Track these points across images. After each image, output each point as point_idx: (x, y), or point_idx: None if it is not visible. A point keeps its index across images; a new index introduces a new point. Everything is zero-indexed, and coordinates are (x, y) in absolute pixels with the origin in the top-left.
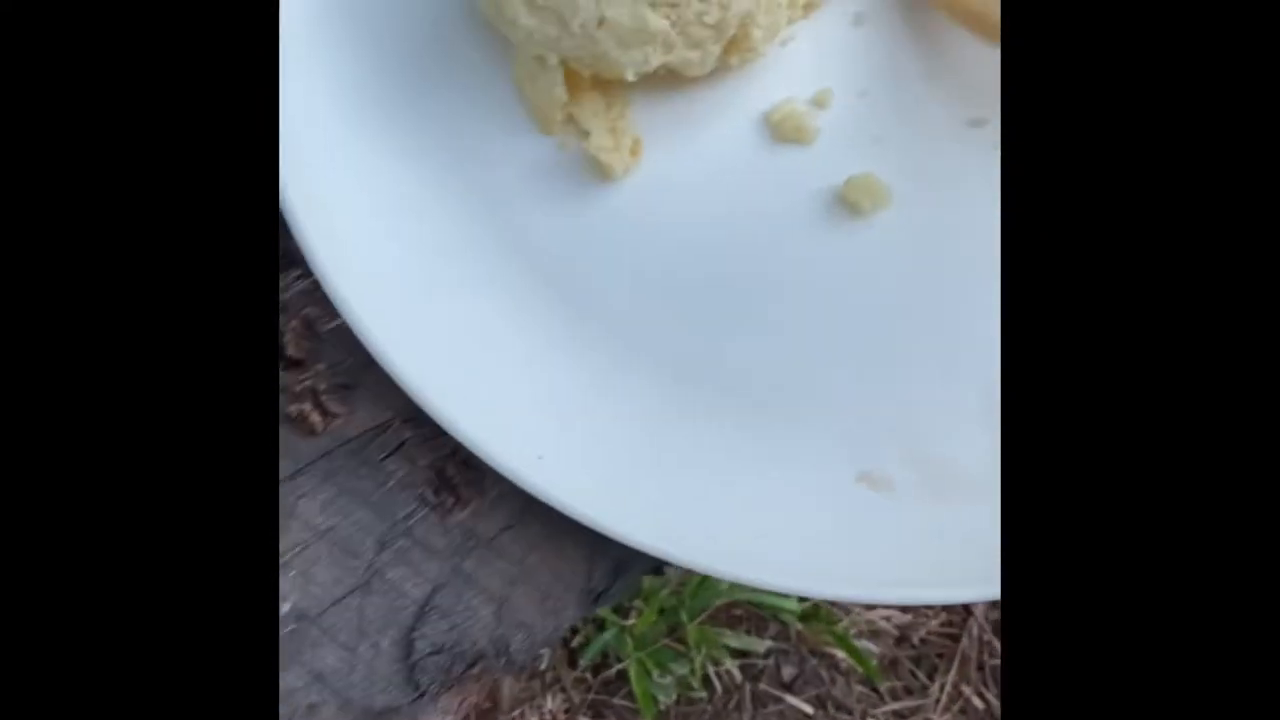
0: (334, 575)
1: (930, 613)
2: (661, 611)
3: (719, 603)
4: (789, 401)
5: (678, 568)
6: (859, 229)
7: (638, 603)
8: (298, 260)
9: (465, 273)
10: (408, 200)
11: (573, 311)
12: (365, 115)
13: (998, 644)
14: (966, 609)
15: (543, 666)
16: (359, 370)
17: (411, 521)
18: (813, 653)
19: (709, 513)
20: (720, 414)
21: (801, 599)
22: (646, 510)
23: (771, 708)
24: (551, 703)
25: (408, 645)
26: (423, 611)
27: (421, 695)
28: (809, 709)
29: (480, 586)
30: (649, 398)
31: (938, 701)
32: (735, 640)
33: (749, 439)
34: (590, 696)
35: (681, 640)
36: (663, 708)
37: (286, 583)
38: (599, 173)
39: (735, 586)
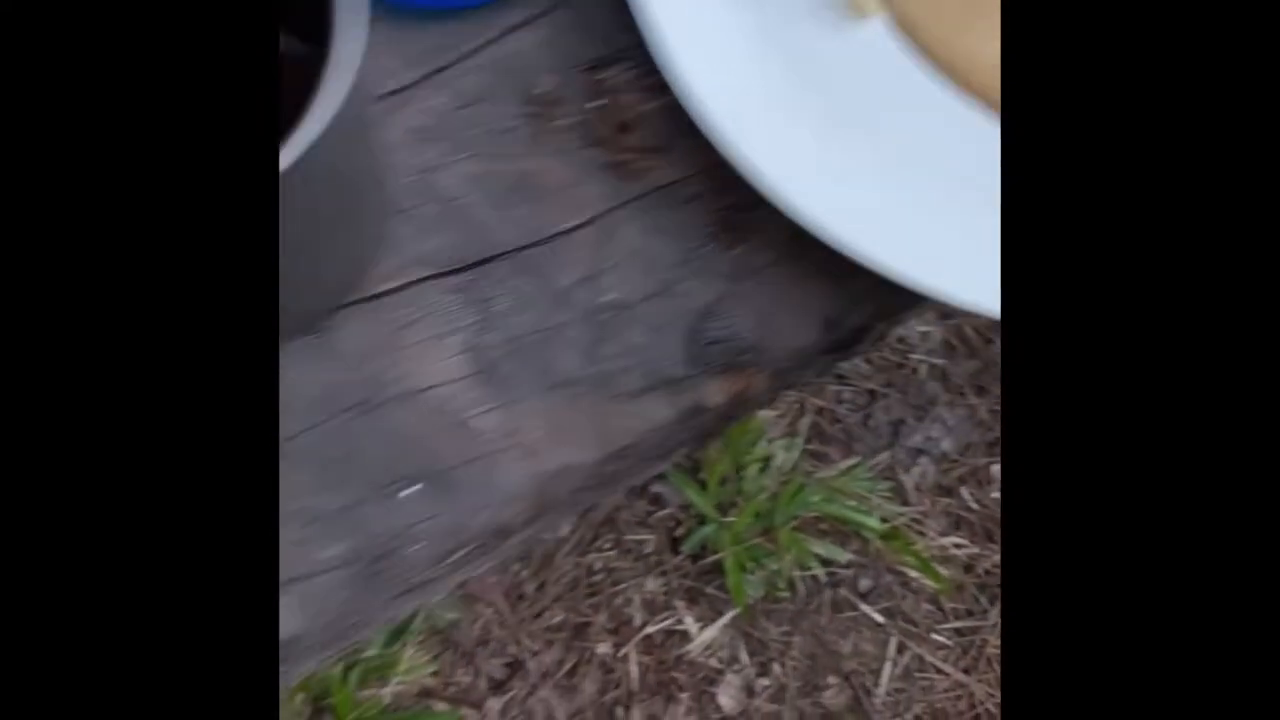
0: (642, 282)
1: (995, 547)
2: (757, 515)
3: (809, 515)
4: None
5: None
6: None
7: (738, 500)
8: (627, 57)
9: (770, 67)
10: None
11: (849, 108)
12: None
13: None
14: None
15: (647, 550)
16: (669, 138)
17: (701, 250)
18: (888, 569)
19: (950, 241)
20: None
21: (882, 520)
22: (889, 237)
23: (847, 614)
24: (652, 584)
25: (693, 336)
26: (706, 313)
27: (702, 373)
28: (880, 618)
29: (749, 302)
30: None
31: (995, 625)
32: (821, 549)
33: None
34: (687, 582)
35: (773, 542)
36: (750, 601)
37: (612, 280)
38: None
39: (825, 501)
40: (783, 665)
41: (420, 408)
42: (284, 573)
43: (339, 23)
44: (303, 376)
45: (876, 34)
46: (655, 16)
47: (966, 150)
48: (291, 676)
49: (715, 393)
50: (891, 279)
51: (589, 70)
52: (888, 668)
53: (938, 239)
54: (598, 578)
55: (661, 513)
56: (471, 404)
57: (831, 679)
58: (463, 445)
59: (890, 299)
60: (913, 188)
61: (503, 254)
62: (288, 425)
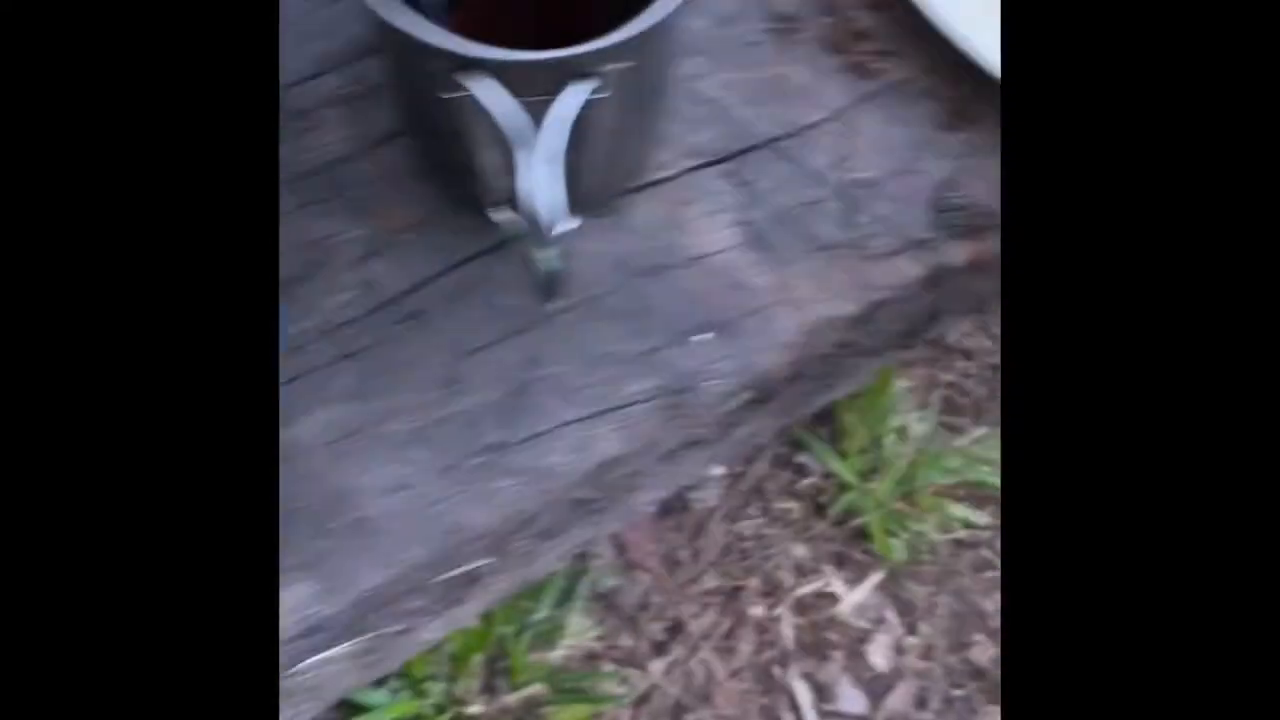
0: (887, 160)
1: None
2: (898, 481)
3: (947, 481)
4: None
5: None
6: None
7: (879, 466)
8: None
9: None
10: None
11: None
12: None
13: None
14: None
15: (794, 517)
16: (899, 39)
17: (935, 135)
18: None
19: None
20: None
21: None
22: None
23: (989, 574)
24: (801, 549)
25: (935, 204)
26: (944, 185)
27: (944, 236)
28: None
29: (980, 175)
30: None
31: None
32: (961, 512)
33: None
34: (833, 547)
35: (914, 506)
36: (896, 563)
37: (858, 162)
38: None
39: (964, 465)
40: (930, 624)
41: (703, 270)
42: (601, 404)
43: None
44: (601, 248)
45: None
46: None
47: None
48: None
49: (958, 253)
50: None
51: None
52: None
53: None
54: (748, 544)
55: (805, 481)
56: (746, 266)
57: (977, 636)
58: (742, 300)
59: None
60: None
61: (760, 144)
62: (592, 289)
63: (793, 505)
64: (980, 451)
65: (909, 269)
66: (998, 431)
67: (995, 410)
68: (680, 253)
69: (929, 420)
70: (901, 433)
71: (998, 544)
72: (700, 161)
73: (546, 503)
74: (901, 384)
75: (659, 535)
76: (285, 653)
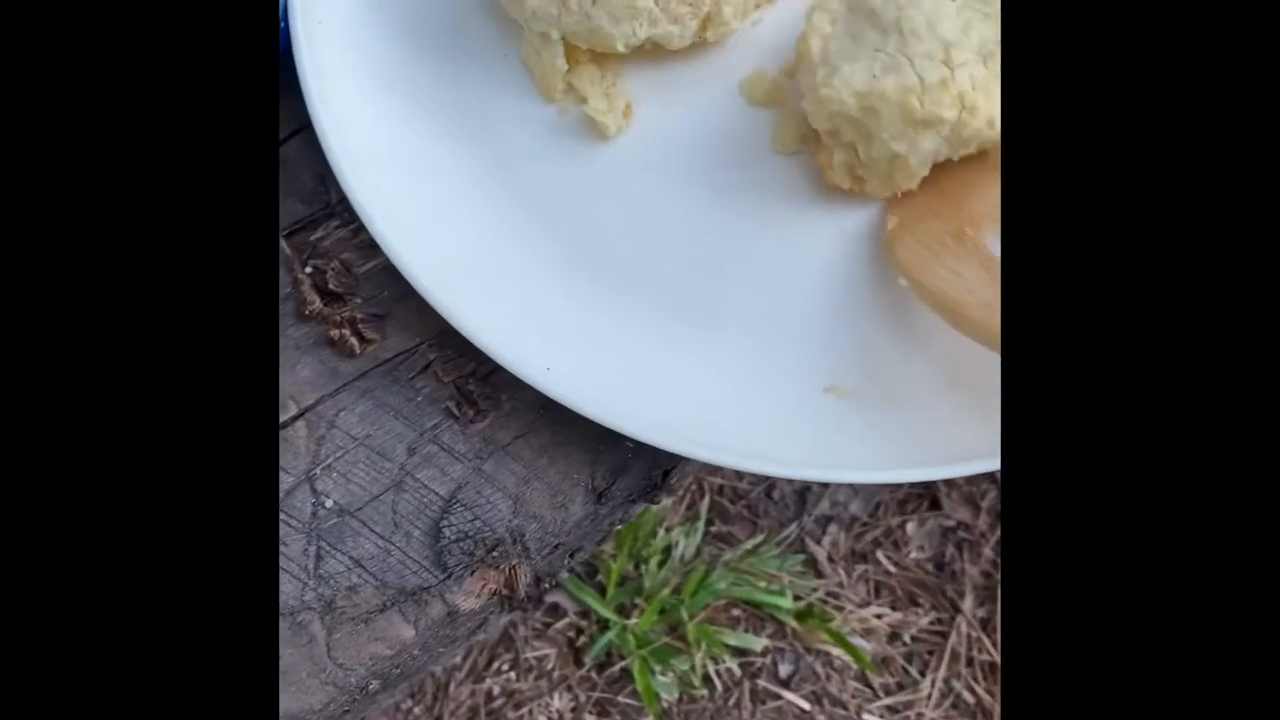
0: (371, 476)
1: (920, 610)
2: (662, 611)
3: (718, 603)
4: (765, 326)
5: (676, 548)
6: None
7: (639, 601)
8: (337, 213)
9: (485, 218)
10: (436, 158)
11: (576, 249)
12: (399, 88)
13: (986, 640)
14: (955, 607)
15: (549, 666)
16: (391, 303)
17: (438, 430)
18: (808, 650)
19: (695, 410)
20: (706, 335)
21: (796, 598)
22: (639, 408)
23: (770, 704)
24: (559, 701)
25: (436, 533)
26: (448, 505)
27: (449, 576)
28: (806, 705)
29: (498, 485)
30: (640, 320)
31: (929, 696)
32: (734, 639)
33: (732, 356)
34: (595, 695)
35: (682, 639)
36: (665, 705)
37: (329, 483)
38: (597, 132)
39: (733, 585)
40: None
41: None
42: None
43: None
44: None
45: (607, 162)
46: (351, 178)
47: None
48: None
49: (468, 596)
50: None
51: (298, 233)
52: None
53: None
54: (498, 703)
55: (560, 623)
56: None
57: None
58: None
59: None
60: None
61: None
62: None
63: (547, 651)
64: (754, 564)
65: (404, 629)
66: (774, 538)
67: (771, 513)
68: None
69: (696, 535)
70: (666, 554)
71: (780, 669)
72: None
73: None
74: (666, 498)
75: (393, 713)
76: None
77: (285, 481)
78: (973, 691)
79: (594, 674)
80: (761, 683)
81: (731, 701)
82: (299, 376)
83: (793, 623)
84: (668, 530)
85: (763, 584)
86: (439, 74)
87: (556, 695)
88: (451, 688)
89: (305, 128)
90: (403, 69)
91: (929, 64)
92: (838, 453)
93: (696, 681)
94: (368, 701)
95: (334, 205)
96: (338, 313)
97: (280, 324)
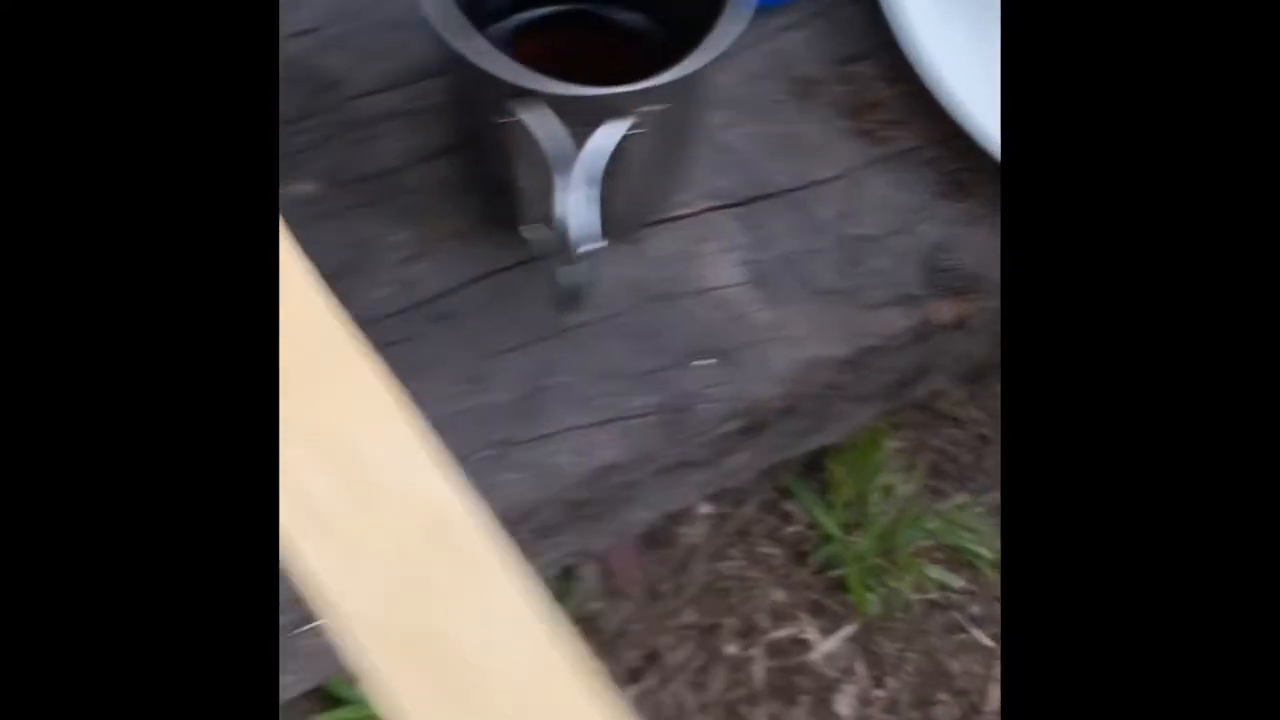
0: (886, 221)
1: None
2: (879, 537)
3: (927, 542)
4: None
5: None
6: None
7: (861, 522)
8: (872, 54)
9: None
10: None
11: None
12: None
13: None
14: None
15: (776, 563)
16: (910, 114)
17: (934, 202)
18: (998, 598)
19: None
20: None
21: (995, 551)
22: None
23: (958, 636)
24: (779, 594)
25: (927, 263)
26: (937, 247)
27: (932, 294)
28: (989, 643)
29: (974, 245)
30: None
31: None
32: (937, 573)
33: None
34: (811, 595)
35: (893, 563)
36: (870, 616)
37: (861, 218)
38: None
39: (944, 529)
40: (897, 679)
41: (710, 302)
42: (606, 414)
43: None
44: (620, 272)
45: None
46: (906, 18)
47: None
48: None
49: (943, 311)
50: None
51: (843, 64)
52: (993, 689)
53: None
54: (729, 584)
55: (790, 529)
56: (749, 302)
57: (942, 695)
58: (743, 333)
59: None
60: None
61: (773, 194)
62: (608, 309)
63: (776, 551)
64: (961, 517)
65: (898, 320)
66: (979, 500)
67: (979, 478)
68: (691, 284)
69: (915, 481)
70: (887, 491)
71: (971, 608)
72: (718, 203)
73: (546, 500)
74: (891, 444)
75: (644, 565)
76: (288, 614)
77: (829, 212)
78: None
79: (813, 577)
80: (955, 616)
81: (927, 626)
82: (843, 150)
83: (989, 572)
84: (890, 473)
85: (967, 534)
86: None
87: (778, 588)
88: (692, 563)
89: None
90: None
91: None
92: None
93: (900, 603)
94: (855, 395)
95: (872, 49)
96: (870, 115)
97: (829, 117)
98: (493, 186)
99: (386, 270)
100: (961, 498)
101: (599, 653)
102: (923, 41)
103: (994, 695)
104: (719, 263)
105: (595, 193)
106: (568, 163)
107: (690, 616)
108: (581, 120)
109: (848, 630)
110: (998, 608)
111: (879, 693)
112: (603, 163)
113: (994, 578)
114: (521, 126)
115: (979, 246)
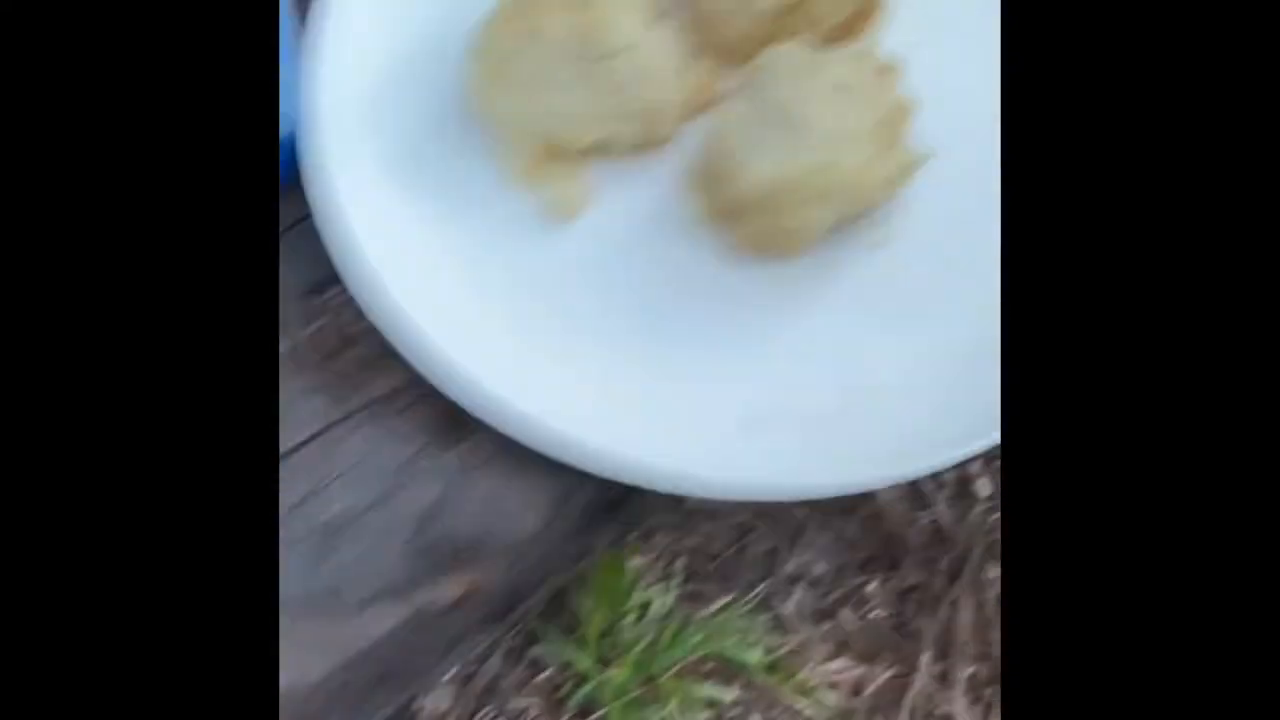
0: (366, 490)
1: (880, 665)
2: (637, 665)
3: (691, 658)
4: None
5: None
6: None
7: (617, 654)
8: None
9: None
10: (428, 232)
11: (542, 310)
12: (403, 182)
13: (936, 693)
14: (912, 663)
15: (533, 715)
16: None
17: (422, 454)
18: (777, 703)
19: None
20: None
21: (767, 651)
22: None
23: None
24: None
25: (415, 537)
26: (428, 514)
27: (428, 575)
28: None
29: (473, 499)
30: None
31: None
32: (706, 690)
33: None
34: None
35: (656, 690)
36: None
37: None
38: (557, 215)
39: (706, 640)
40: None
41: None
42: None
43: None
44: None
45: (581, 238)
46: (351, 246)
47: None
48: None
49: (445, 592)
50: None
51: (308, 295)
52: None
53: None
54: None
55: (542, 676)
56: None
57: None
58: None
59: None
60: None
61: None
62: None
63: (530, 701)
64: (725, 622)
65: (382, 621)
66: (744, 597)
67: (741, 574)
68: None
69: (670, 592)
70: (644, 609)
71: (751, 718)
72: None
73: None
74: (641, 560)
75: None
76: None
77: (297, 494)
78: None
79: None
80: None
81: None
82: (310, 408)
83: (762, 676)
84: (645, 588)
85: (733, 640)
86: (435, 165)
87: None
88: None
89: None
90: (404, 166)
91: (820, 150)
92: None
93: None
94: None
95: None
96: (342, 359)
97: (289, 372)
98: None
99: None
100: (724, 598)
101: None
102: (369, 267)
103: None
104: None
105: None
106: None
107: None
108: None
109: None
110: (777, 713)
111: None
112: None
113: (767, 682)
114: None
115: (480, 499)
